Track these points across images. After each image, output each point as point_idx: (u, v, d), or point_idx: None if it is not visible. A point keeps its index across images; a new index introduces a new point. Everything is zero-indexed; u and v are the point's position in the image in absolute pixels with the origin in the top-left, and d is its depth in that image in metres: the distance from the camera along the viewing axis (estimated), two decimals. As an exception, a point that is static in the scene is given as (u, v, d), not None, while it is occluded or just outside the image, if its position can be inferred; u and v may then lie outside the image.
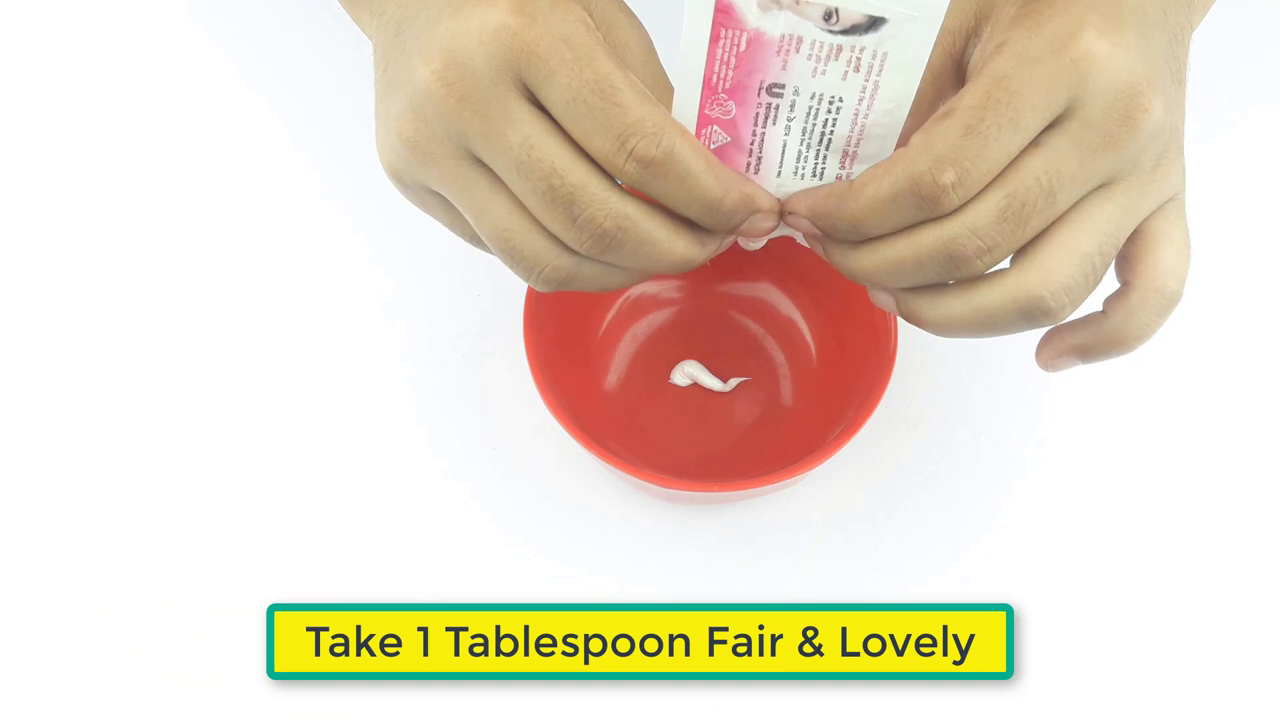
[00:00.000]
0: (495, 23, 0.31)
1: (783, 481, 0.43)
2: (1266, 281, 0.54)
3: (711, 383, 0.51)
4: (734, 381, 0.51)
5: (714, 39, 0.32)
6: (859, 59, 0.32)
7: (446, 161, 0.33)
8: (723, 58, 0.32)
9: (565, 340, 0.49)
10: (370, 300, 0.53)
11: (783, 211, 0.35)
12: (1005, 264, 0.33)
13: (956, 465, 0.51)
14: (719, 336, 0.52)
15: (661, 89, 0.35)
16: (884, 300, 0.36)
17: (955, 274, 0.33)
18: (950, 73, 0.35)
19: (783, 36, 0.32)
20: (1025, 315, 0.33)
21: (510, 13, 0.31)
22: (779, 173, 0.35)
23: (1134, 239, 0.34)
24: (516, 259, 0.33)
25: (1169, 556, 0.49)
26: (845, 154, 0.34)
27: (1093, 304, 0.35)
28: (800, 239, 0.37)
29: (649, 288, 0.53)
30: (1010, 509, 0.50)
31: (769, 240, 0.38)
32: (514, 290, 0.47)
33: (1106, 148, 0.32)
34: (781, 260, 0.51)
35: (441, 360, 0.52)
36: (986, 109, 0.31)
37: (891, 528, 0.50)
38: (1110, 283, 0.35)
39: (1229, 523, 0.50)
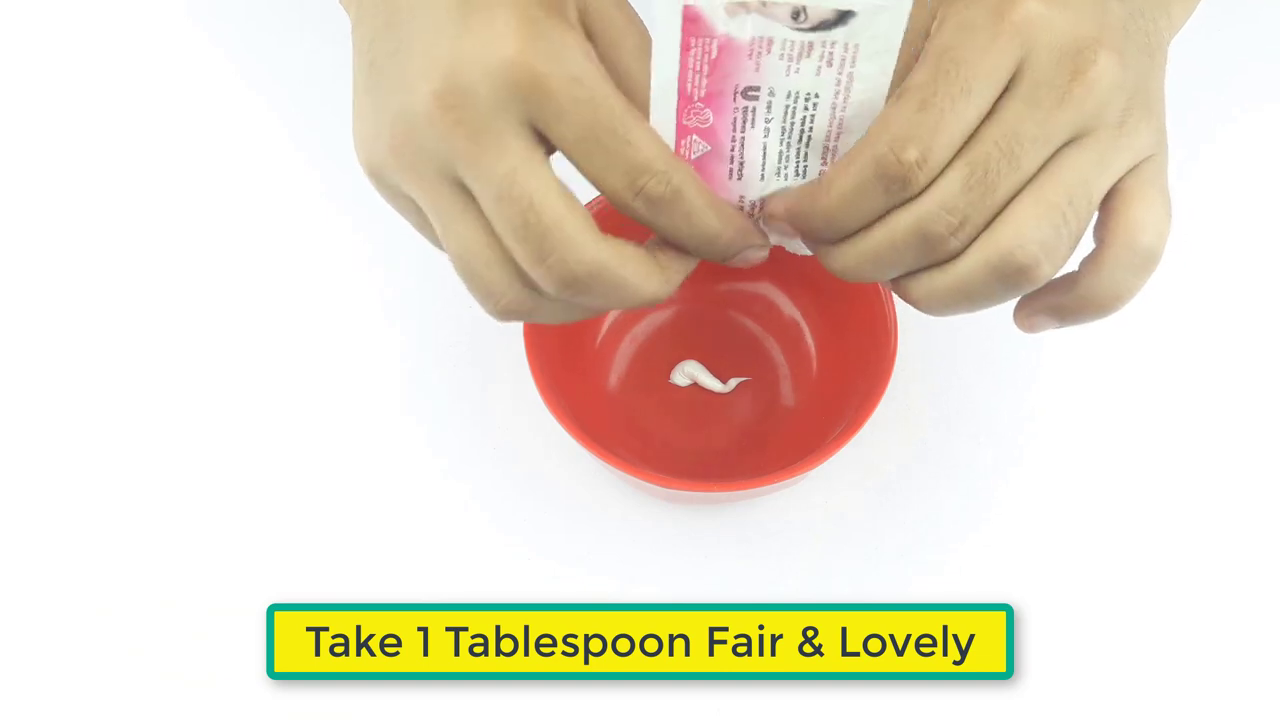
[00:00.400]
0: (504, 56, 0.30)
1: (783, 481, 0.43)
2: (1266, 282, 0.54)
3: (711, 383, 0.51)
4: (734, 382, 0.51)
5: (685, 48, 0.32)
6: (830, 53, 0.32)
7: (427, 175, 0.32)
8: (695, 66, 0.32)
9: (565, 341, 0.49)
10: (370, 300, 0.53)
11: (766, 216, 0.35)
12: None
13: (956, 465, 0.51)
14: (719, 336, 0.52)
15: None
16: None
17: (934, 255, 0.33)
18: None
19: (753, 39, 0.31)
20: (1002, 277, 0.32)
21: (520, 46, 0.30)
22: (762, 175, 0.35)
23: (1109, 197, 0.33)
24: (477, 285, 0.33)
25: (1169, 556, 0.49)
26: (826, 149, 0.34)
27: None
28: (797, 247, 0.37)
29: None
30: (1010, 509, 0.50)
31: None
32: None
33: (1061, 104, 0.31)
34: (781, 260, 0.51)
35: (441, 360, 0.52)
36: (937, 82, 0.31)
37: (891, 528, 0.50)
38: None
39: (1229, 522, 0.50)
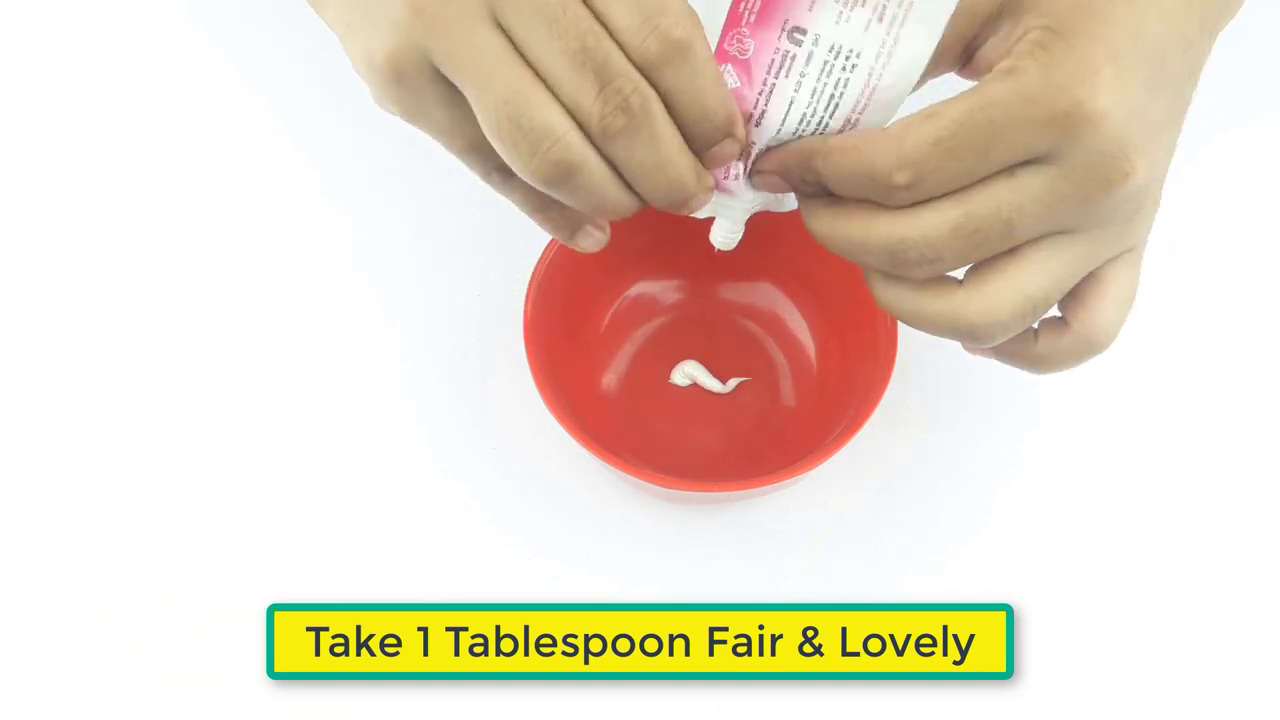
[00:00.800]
0: None
1: (783, 481, 0.43)
2: (1266, 284, 0.54)
3: (711, 384, 0.51)
4: (734, 382, 0.51)
5: None
6: (884, 7, 0.31)
7: (462, 22, 0.30)
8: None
9: (565, 340, 0.49)
10: (370, 300, 0.53)
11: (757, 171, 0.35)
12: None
13: (956, 465, 0.51)
14: (719, 337, 0.52)
15: None
16: None
17: (898, 271, 0.33)
18: (956, 54, 0.35)
19: None
20: (957, 334, 0.33)
21: None
22: (779, 130, 0.34)
23: (1084, 279, 0.34)
24: (523, 131, 0.30)
25: (1170, 556, 0.49)
26: (849, 121, 0.33)
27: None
28: (782, 204, 0.36)
29: (649, 288, 0.53)
30: (1010, 509, 0.50)
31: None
32: (514, 290, 0.47)
33: (1079, 202, 0.31)
34: (781, 261, 0.51)
35: (441, 360, 0.52)
36: (962, 127, 0.30)
37: (891, 528, 0.50)
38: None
39: (1229, 522, 0.50)
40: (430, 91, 0.32)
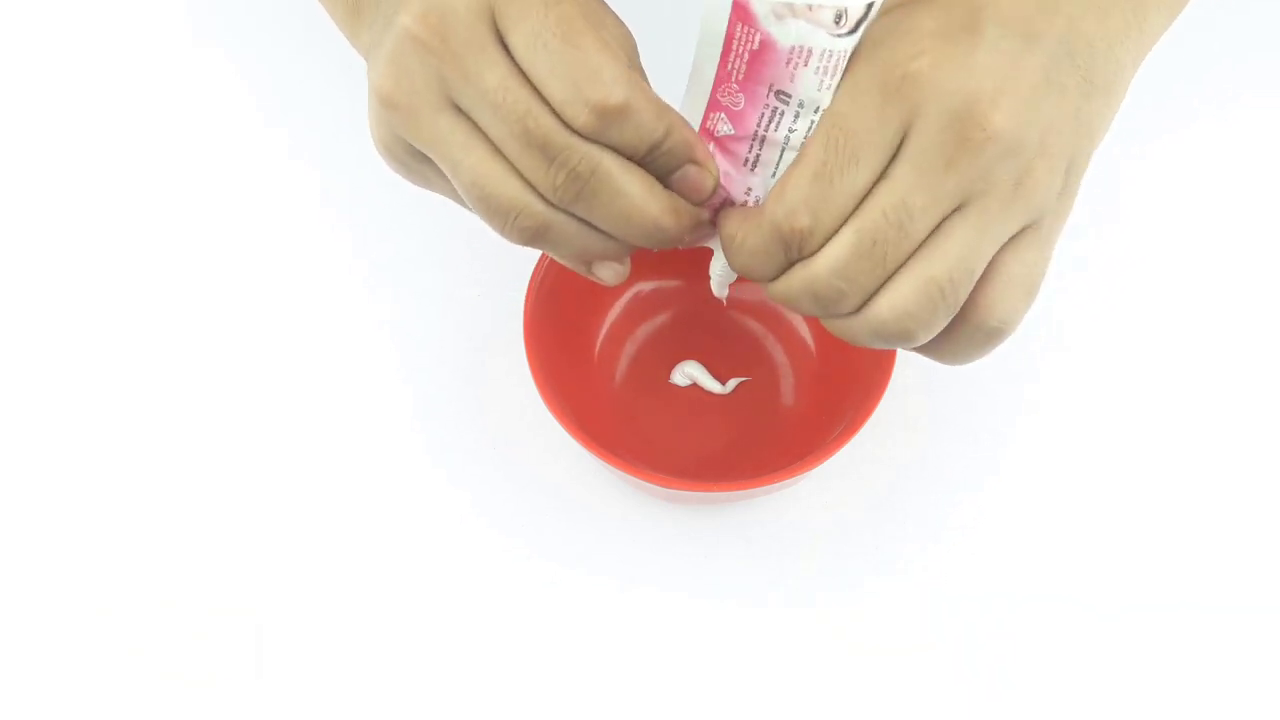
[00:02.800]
0: None
1: (783, 481, 0.43)
2: (1267, 285, 0.54)
3: (711, 385, 0.51)
4: (734, 382, 0.51)
5: (730, 31, 0.32)
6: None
7: (425, 112, 0.33)
8: (737, 52, 0.33)
9: (565, 340, 0.49)
10: (371, 301, 0.53)
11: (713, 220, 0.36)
12: None
13: (956, 465, 0.51)
14: (719, 337, 0.52)
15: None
16: None
17: (829, 311, 0.33)
18: None
19: (793, 48, 0.32)
20: (884, 340, 0.33)
21: None
22: (774, 175, 0.35)
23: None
24: (491, 207, 0.33)
25: (1171, 557, 0.49)
26: None
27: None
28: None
29: (649, 288, 0.53)
30: (1011, 509, 0.50)
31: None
32: (514, 290, 0.47)
33: (948, 170, 0.31)
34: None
35: (441, 361, 0.52)
36: (827, 151, 0.31)
37: (891, 528, 0.50)
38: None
39: (1230, 524, 0.50)
40: (422, 166, 0.35)
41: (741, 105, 0.34)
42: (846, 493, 0.50)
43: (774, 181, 0.35)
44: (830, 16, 0.31)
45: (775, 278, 0.34)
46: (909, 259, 0.32)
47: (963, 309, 0.33)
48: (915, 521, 0.50)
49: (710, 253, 0.38)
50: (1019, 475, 0.50)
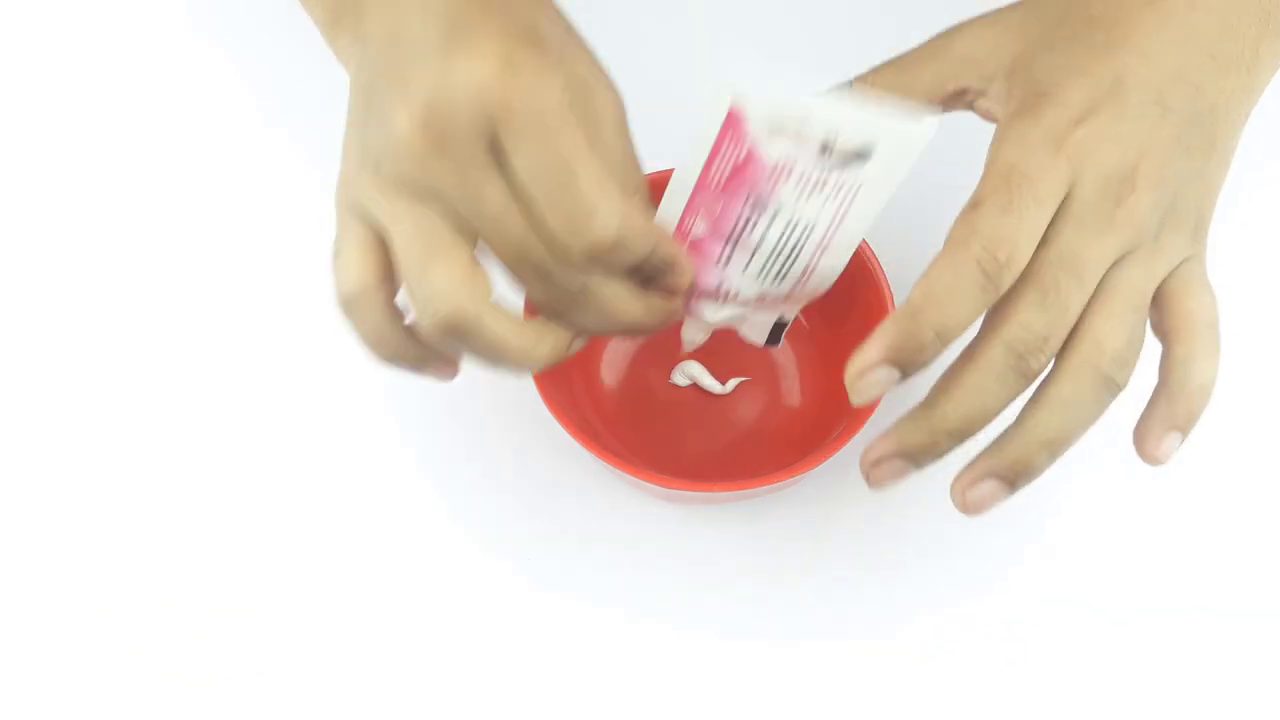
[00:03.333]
0: (481, 78, 0.31)
1: (783, 481, 0.43)
2: (1267, 286, 0.54)
3: (711, 384, 0.51)
4: (734, 382, 0.51)
5: (720, 139, 0.34)
6: (840, 188, 0.35)
7: (402, 199, 0.33)
8: (721, 160, 0.34)
9: (565, 340, 0.49)
10: (370, 300, 0.53)
11: (867, 460, 0.38)
12: None
13: (957, 465, 0.51)
14: (719, 336, 0.52)
15: (629, 162, 0.36)
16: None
17: (1026, 371, 0.34)
18: (942, 98, 0.41)
19: (776, 164, 0.34)
20: (1092, 387, 0.35)
21: (496, 71, 0.31)
22: (744, 270, 0.37)
23: (1161, 298, 0.36)
24: (442, 314, 0.34)
25: (1173, 557, 0.49)
26: (807, 268, 0.37)
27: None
28: (748, 328, 0.42)
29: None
30: (1011, 509, 0.50)
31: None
32: (514, 290, 0.47)
33: (1108, 228, 0.34)
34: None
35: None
36: (1012, 191, 0.34)
37: (892, 528, 0.50)
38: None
39: (1231, 522, 0.50)
40: (363, 229, 0.36)
41: (719, 211, 0.36)
42: (846, 493, 0.50)
43: (743, 278, 0.37)
44: (816, 145, 0.33)
45: (957, 382, 0.35)
46: (1088, 307, 0.35)
47: (1179, 322, 0.36)
48: (916, 522, 0.50)
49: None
50: (1019, 475, 0.50)
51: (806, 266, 0.37)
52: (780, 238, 0.36)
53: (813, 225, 0.36)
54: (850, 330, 0.49)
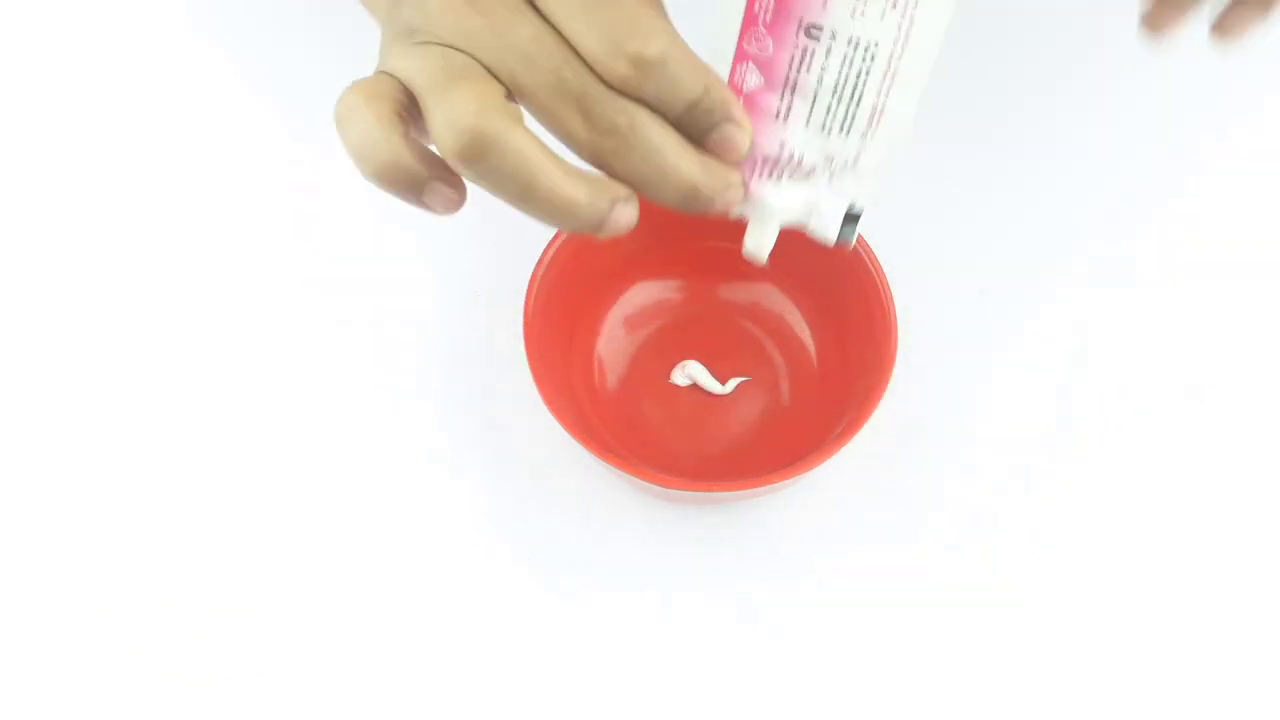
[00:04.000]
0: None
1: (783, 481, 0.43)
2: (1269, 285, 0.54)
3: (711, 385, 0.51)
4: (733, 382, 0.51)
5: None
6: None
7: (435, 49, 0.31)
8: None
9: (565, 341, 0.49)
10: (370, 300, 0.53)
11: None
12: None
13: (957, 465, 0.51)
14: (719, 337, 0.52)
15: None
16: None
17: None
18: None
19: None
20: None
21: None
22: (807, 122, 0.33)
23: None
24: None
25: (1174, 557, 0.49)
26: (875, 108, 0.33)
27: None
28: (819, 225, 0.36)
29: (649, 288, 0.53)
30: (1011, 509, 0.50)
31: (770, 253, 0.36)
32: (514, 290, 0.47)
33: None
34: (781, 261, 0.51)
35: (441, 360, 0.52)
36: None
37: (892, 528, 0.50)
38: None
39: (1229, 521, 0.50)
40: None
41: (770, 51, 0.32)
42: (847, 493, 0.50)
43: (806, 132, 0.33)
44: None
45: None
46: None
47: None
48: (916, 522, 0.50)
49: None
50: (1021, 476, 0.50)
51: (875, 106, 0.33)
52: (841, 69, 0.32)
53: (875, 44, 0.32)
54: (850, 330, 0.49)
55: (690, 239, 0.51)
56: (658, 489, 0.44)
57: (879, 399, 0.44)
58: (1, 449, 0.51)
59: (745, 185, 0.34)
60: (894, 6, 0.31)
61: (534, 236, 0.47)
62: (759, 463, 0.48)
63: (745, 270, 0.52)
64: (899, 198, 0.55)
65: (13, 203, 0.55)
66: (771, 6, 0.32)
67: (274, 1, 0.59)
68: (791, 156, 0.34)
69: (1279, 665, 0.48)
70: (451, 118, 0.29)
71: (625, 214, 0.32)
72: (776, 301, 0.52)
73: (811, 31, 0.32)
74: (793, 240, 0.49)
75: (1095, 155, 0.56)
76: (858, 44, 0.32)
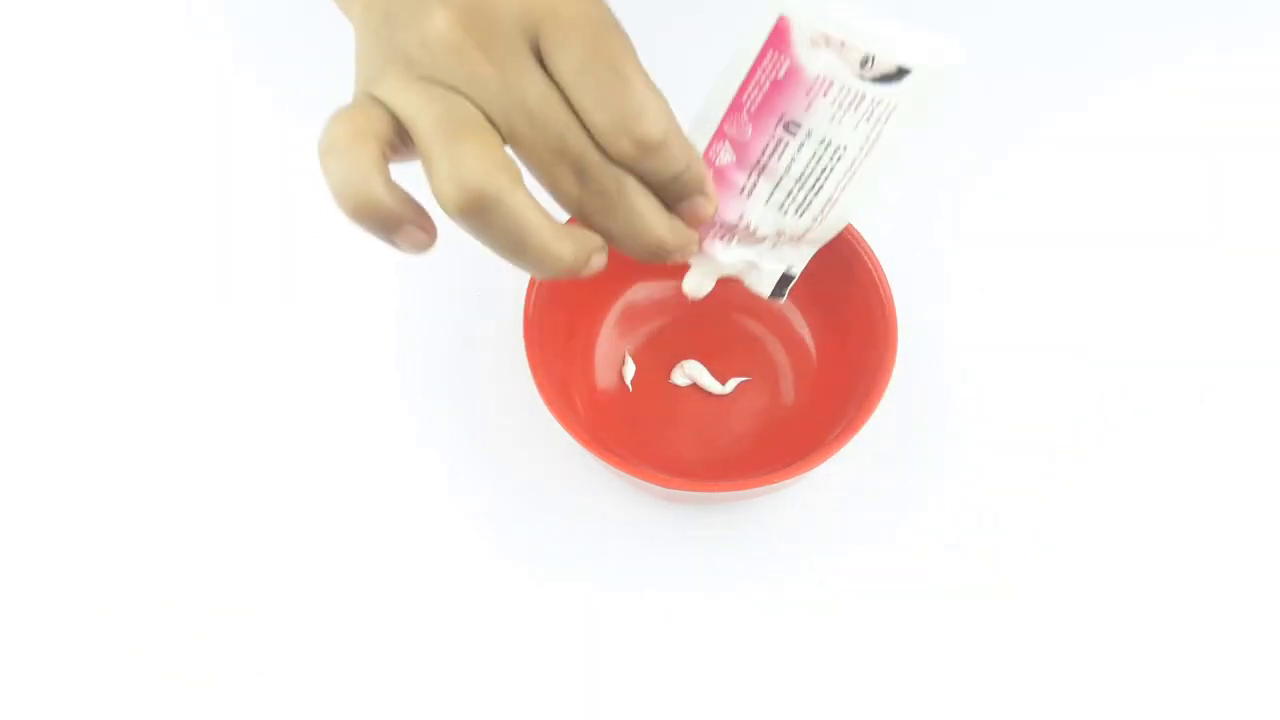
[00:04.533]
0: None
1: (783, 481, 0.43)
2: (1271, 284, 0.54)
3: (711, 385, 0.51)
4: (734, 382, 0.51)
5: (760, 57, 0.34)
6: (874, 110, 0.35)
7: (437, 90, 0.32)
8: (759, 81, 0.35)
9: (565, 340, 0.49)
10: (370, 300, 0.53)
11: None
12: None
13: (957, 465, 0.51)
14: (719, 336, 0.52)
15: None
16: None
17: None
18: None
19: (817, 77, 0.34)
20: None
21: None
22: (767, 201, 0.37)
23: None
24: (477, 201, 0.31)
25: (1174, 557, 0.49)
26: (829, 199, 0.37)
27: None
28: (757, 280, 0.40)
29: (649, 288, 0.53)
30: (1012, 509, 0.50)
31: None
32: (514, 290, 0.47)
33: None
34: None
35: (441, 360, 0.52)
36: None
37: (892, 527, 0.50)
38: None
39: (1226, 522, 0.50)
40: (382, 112, 0.34)
41: (748, 136, 0.36)
42: (847, 492, 0.50)
43: (766, 207, 0.37)
44: (858, 58, 0.34)
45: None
46: None
47: None
48: (916, 521, 0.50)
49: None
50: (1021, 475, 0.50)
51: (830, 198, 0.37)
52: (810, 163, 0.36)
53: (844, 148, 0.36)
54: (850, 330, 0.49)
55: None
56: (658, 489, 0.44)
57: (879, 399, 0.44)
58: (2, 449, 0.51)
59: (700, 242, 0.38)
60: (867, 119, 0.35)
61: (534, 236, 0.47)
62: (759, 463, 0.48)
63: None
64: (899, 198, 0.55)
65: (12, 202, 0.55)
66: (759, 99, 0.35)
67: (274, 2, 0.59)
68: (748, 227, 0.38)
69: (1278, 665, 0.48)
70: (457, 174, 0.30)
71: (598, 262, 0.34)
72: (777, 302, 0.52)
73: (790, 127, 0.35)
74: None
75: (1095, 156, 0.56)
76: (829, 144, 0.36)
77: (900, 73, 0.34)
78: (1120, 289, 0.54)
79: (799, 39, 0.34)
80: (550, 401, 0.44)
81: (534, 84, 0.32)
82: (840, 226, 0.39)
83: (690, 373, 0.51)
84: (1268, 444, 0.51)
